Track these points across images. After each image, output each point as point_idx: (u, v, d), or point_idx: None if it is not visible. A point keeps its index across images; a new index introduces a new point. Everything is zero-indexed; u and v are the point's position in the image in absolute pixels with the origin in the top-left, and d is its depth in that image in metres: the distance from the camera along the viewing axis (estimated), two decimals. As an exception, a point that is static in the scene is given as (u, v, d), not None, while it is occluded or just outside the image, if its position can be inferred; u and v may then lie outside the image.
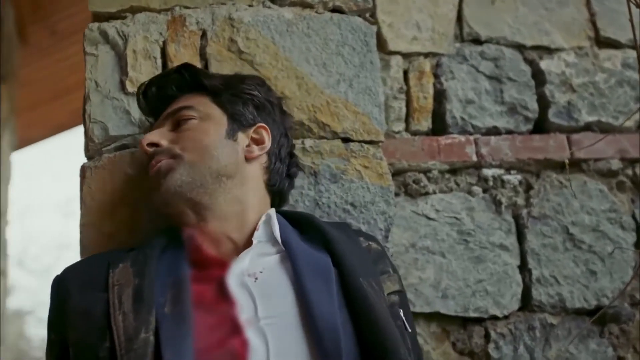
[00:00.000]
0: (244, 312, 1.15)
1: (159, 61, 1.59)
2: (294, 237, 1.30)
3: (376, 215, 1.56)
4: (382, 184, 1.59)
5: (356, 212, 1.55)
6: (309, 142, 1.59)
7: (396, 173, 1.74)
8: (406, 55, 1.84)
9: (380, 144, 1.62)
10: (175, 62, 1.58)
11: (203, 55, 1.61)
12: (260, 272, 1.23)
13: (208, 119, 1.37)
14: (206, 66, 1.60)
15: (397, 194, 1.73)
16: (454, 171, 1.78)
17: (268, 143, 1.39)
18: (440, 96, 1.83)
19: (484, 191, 1.77)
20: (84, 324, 1.17)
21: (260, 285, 1.20)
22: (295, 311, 1.16)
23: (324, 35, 1.65)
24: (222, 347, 1.11)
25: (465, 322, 1.70)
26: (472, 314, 1.68)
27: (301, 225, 1.35)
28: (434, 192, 1.75)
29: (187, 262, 1.24)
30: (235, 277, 1.21)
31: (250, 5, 1.66)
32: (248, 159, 1.37)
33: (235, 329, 1.13)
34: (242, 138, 1.38)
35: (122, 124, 1.54)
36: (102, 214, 1.49)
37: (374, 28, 1.72)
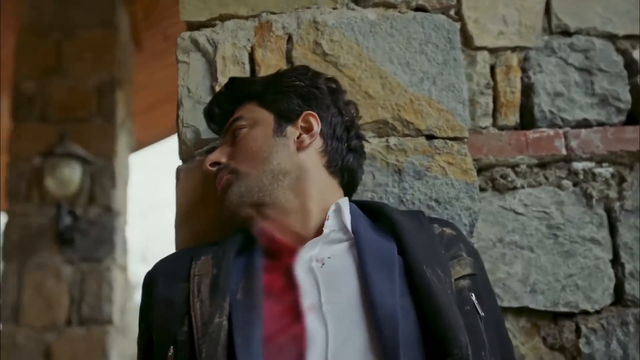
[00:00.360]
0: (307, 298, 1.20)
1: (247, 66, 1.66)
2: (364, 225, 1.33)
3: (460, 211, 1.58)
4: (467, 180, 1.60)
5: (440, 208, 1.57)
6: (393, 140, 1.62)
7: (483, 168, 1.75)
8: (493, 50, 1.83)
9: (464, 140, 1.63)
10: (262, 67, 1.65)
11: (289, 59, 1.67)
12: (329, 257, 1.27)
13: (256, 124, 1.43)
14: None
15: (484, 189, 1.73)
16: (542, 165, 1.76)
17: (317, 128, 1.42)
18: (528, 90, 1.81)
19: (574, 185, 1.75)
20: (167, 311, 1.26)
21: (326, 271, 1.25)
22: (357, 298, 1.19)
23: (407, 34, 1.68)
24: (286, 334, 1.16)
25: (555, 317, 1.68)
26: (562, 309, 1.66)
27: (373, 213, 1.38)
28: (522, 187, 1.74)
29: (261, 254, 1.31)
30: (303, 263, 1.26)
31: (334, 8, 1.71)
32: (300, 149, 1.40)
33: (298, 315, 1.18)
34: (292, 131, 1.42)
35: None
36: (194, 214, 1.57)
37: (457, 25, 1.73)
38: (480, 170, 1.74)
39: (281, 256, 1.30)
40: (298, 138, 1.41)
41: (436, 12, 1.71)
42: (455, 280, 1.27)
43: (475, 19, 1.83)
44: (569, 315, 1.68)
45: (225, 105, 1.49)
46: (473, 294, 1.27)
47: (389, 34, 1.68)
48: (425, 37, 1.68)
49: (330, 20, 1.68)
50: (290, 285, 1.23)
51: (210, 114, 1.53)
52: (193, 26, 1.71)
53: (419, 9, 1.72)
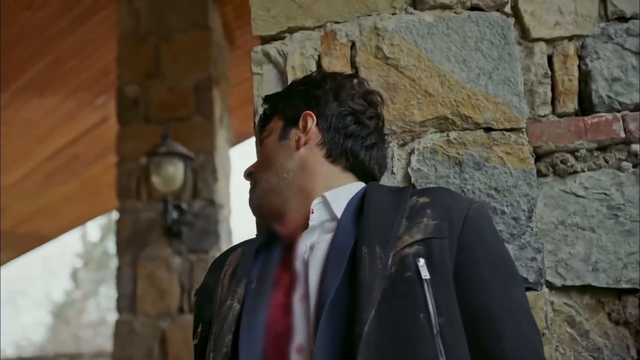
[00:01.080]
0: (299, 289, 1.35)
1: (315, 74, 1.81)
2: (347, 214, 1.43)
3: (519, 197, 1.68)
4: (525, 168, 1.70)
5: (499, 196, 1.68)
6: (453, 135, 1.74)
7: (544, 155, 1.83)
8: (549, 41, 1.91)
9: (521, 130, 1.73)
10: (329, 73, 1.80)
11: (353, 64, 1.81)
12: (318, 243, 1.40)
13: (271, 133, 1.60)
14: (356, 73, 1.79)
15: (545, 175, 1.82)
16: (603, 149, 1.83)
17: (311, 124, 1.55)
18: (585, 77, 1.88)
19: (634, 166, 1.81)
20: (202, 296, 1.54)
21: (313, 257, 1.38)
22: (317, 289, 1.32)
23: (462, 33, 1.79)
24: (280, 324, 1.32)
25: (619, 293, 1.76)
26: (625, 286, 1.74)
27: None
28: (583, 171, 1.82)
29: (280, 248, 1.47)
30: (300, 255, 1.41)
31: (393, 14, 1.83)
32: (298, 147, 1.54)
33: (288, 307, 1.33)
34: (294, 133, 1.56)
35: (287, 132, 1.79)
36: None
37: (511, 21, 1.82)
38: (541, 157, 1.83)
39: (292, 249, 1.45)
40: (297, 138, 1.55)
41: (490, 10, 1.81)
42: (400, 250, 1.31)
43: (531, 12, 1.91)
44: (632, 292, 1.75)
45: (265, 123, 1.67)
46: (419, 258, 1.29)
47: (445, 35, 1.79)
48: (480, 34, 1.78)
49: (390, 25, 1.80)
50: (291, 277, 1.39)
51: (256, 132, 1.73)
52: (265, 40, 1.87)
53: (474, 8, 1.81)
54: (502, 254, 1.41)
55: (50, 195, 9.06)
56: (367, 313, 1.22)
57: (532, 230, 1.66)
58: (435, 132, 1.75)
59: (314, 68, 1.81)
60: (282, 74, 1.82)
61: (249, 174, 1.61)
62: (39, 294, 32.28)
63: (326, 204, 1.46)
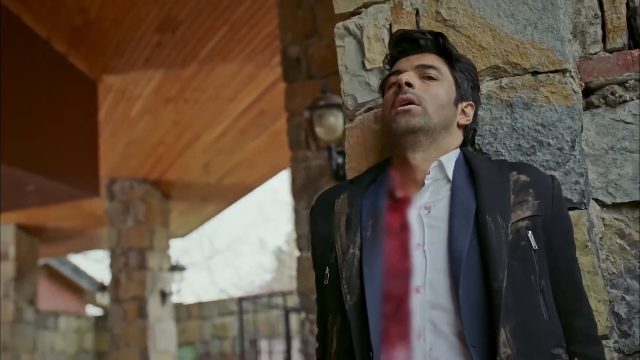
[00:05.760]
0: (415, 238, 1.65)
1: (387, 40, 2.15)
2: (460, 176, 1.74)
3: (563, 130, 1.94)
4: (568, 104, 1.95)
5: (545, 130, 1.95)
6: (504, 81, 2.01)
7: (596, 89, 2.06)
8: (599, -16, 2.11)
9: (565, 71, 1.97)
10: (398, 39, 2.13)
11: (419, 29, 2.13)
12: (433, 206, 1.70)
13: (445, 84, 1.83)
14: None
15: (597, 107, 2.05)
16: (651, 77, 2.03)
17: (471, 114, 1.89)
18: (634, 14, 2.07)
19: (680, 90, 1.99)
20: (323, 244, 1.79)
21: (430, 216, 1.68)
22: (444, 240, 1.62)
23: (510, -10, 2.05)
24: (399, 265, 1.62)
25: (669, 206, 1.97)
26: (670, 200, 1.95)
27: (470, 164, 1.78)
28: (632, 99, 2.02)
29: (385, 195, 1.76)
30: (414, 210, 1.70)
31: (450, -19, 2.12)
32: (459, 126, 1.87)
33: (407, 251, 1.64)
34: (459, 107, 1.86)
35: (366, 93, 2.15)
36: (359, 159, 2.12)
37: (555, -28, 2.05)
38: (593, 91, 2.05)
39: (400, 200, 1.75)
40: (460, 115, 1.86)
41: (536, -35, 2.05)
42: (515, 222, 1.65)
43: (580, -41, 2.12)
44: (680, 204, 1.96)
45: (420, 45, 1.87)
46: (529, 231, 1.65)
47: (495, -7, 2.06)
48: (526, -11, 2.03)
49: (447, -9, 2.10)
50: (405, 227, 1.68)
51: (398, 40, 1.91)
52: (345, 16, 2.24)
53: (521, -35, 2.06)
54: (570, 222, 1.81)
55: (246, 149, 9.95)
56: (502, 272, 1.55)
57: (575, 157, 1.92)
58: (490, 79, 2.04)
59: (386, 36, 2.15)
60: (360, 44, 2.19)
61: (410, 87, 1.79)
62: (256, 238, 34.60)
63: (441, 166, 1.77)
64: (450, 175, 1.76)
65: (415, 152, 1.79)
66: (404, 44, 1.89)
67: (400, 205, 1.74)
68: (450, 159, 1.80)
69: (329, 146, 5.12)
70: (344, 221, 1.75)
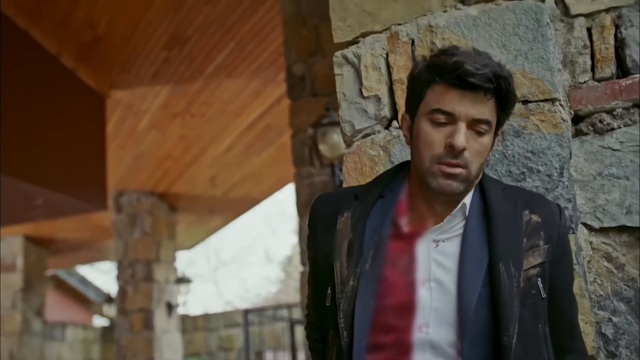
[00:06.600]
0: (420, 272, 1.59)
1: (384, 69, 2.23)
2: (475, 214, 1.66)
3: (552, 157, 2.01)
4: (557, 132, 2.03)
5: (535, 157, 2.02)
6: (496, 109, 2.09)
7: (585, 116, 2.13)
8: (588, 15, 2.17)
9: (554, 100, 2.04)
10: (394, 68, 2.21)
11: (414, 59, 2.21)
12: (442, 241, 1.63)
13: (491, 132, 1.67)
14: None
15: (586, 134, 2.12)
16: (637, 106, 2.10)
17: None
18: (621, 44, 2.15)
19: (666, 119, 2.07)
20: (324, 260, 1.70)
21: (439, 252, 1.61)
22: (452, 285, 1.57)
23: (502, 22, 2.12)
24: (400, 297, 1.57)
25: (653, 231, 2.04)
26: (656, 224, 2.02)
27: (485, 199, 1.69)
28: (619, 127, 2.10)
29: (390, 221, 1.67)
30: (423, 242, 1.63)
31: (444, 11, 2.20)
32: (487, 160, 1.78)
33: (412, 285, 1.59)
34: (494, 138, 1.71)
35: (363, 119, 2.23)
36: (356, 184, 2.20)
37: (544, 5, 2.13)
38: (582, 119, 2.13)
39: (408, 234, 1.66)
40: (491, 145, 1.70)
41: (526, -2, 2.13)
42: (527, 269, 1.61)
43: (571, -9, 2.20)
44: (665, 229, 2.03)
45: (476, 86, 1.61)
46: (539, 279, 1.62)
47: (487, 24, 2.14)
48: (517, 21, 2.11)
49: (441, 22, 2.18)
50: (411, 259, 1.62)
51: (461, 79, 1.61)
52: (343, 45, 2.32)
53: (512, -3, 2.15)
54: (571, 262, 1.79)
55: (252, 162, 10.05)
56: (512, 327, 1.51)
57: (563, 183, 1.99)
58: (482, 108, 2.11)
59: (382, 65, 2.24)
60: (358, 72, 2.27)
61: (463, 151, 1.61)
62: (262, 250, 34.67)
63: (463, 207, 1.67)
64: (467, 212, 1.68)
65: (445, 203, 1.68)
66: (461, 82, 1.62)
67: (407, 238, 1.67)
68: (469, 195, 1.71)
69: (332, 163, 5.21)
70: (346, 247, 1.67)
